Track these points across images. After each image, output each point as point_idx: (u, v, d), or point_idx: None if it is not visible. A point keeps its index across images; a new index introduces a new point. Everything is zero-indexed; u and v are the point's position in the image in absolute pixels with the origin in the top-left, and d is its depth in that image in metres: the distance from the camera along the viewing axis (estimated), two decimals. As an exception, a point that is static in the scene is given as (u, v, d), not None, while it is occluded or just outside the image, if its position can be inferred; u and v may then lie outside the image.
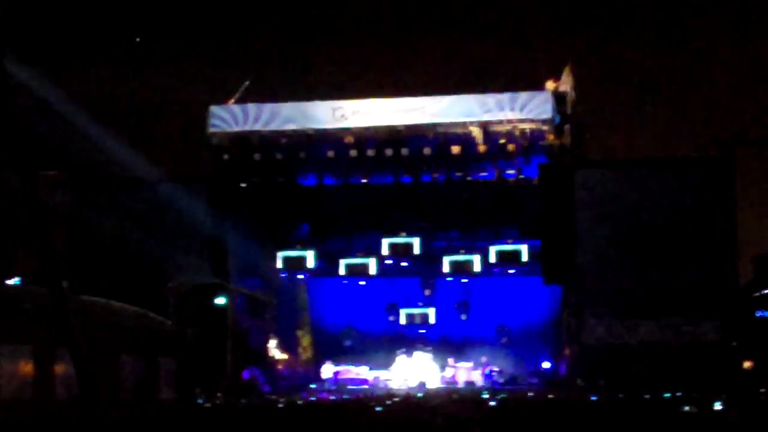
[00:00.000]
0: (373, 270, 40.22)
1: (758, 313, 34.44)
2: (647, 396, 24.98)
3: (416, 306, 41.56)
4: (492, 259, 38.79)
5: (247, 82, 37.34)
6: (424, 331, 41.30)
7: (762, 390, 27.49)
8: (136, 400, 21.43)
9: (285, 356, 40.43)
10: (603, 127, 40.67)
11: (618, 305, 34.75)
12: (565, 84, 36.19)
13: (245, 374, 36.33)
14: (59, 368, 18.83)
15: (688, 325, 33.99)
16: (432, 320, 41.28)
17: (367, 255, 40.26)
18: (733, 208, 34.68)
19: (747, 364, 33.58)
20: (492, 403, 20.85)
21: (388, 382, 37.81)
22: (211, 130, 36.93)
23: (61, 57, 36.21)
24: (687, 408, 16.13)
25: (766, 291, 34.92)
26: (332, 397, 29.31)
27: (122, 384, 21.42)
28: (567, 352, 35.96)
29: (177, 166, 37.61)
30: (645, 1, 44.49)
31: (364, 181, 38.05)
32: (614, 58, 42.87)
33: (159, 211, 36.30)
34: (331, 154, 36.90)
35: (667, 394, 25.95)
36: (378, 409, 19.74)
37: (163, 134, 38.93)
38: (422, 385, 36.83)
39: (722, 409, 16.76)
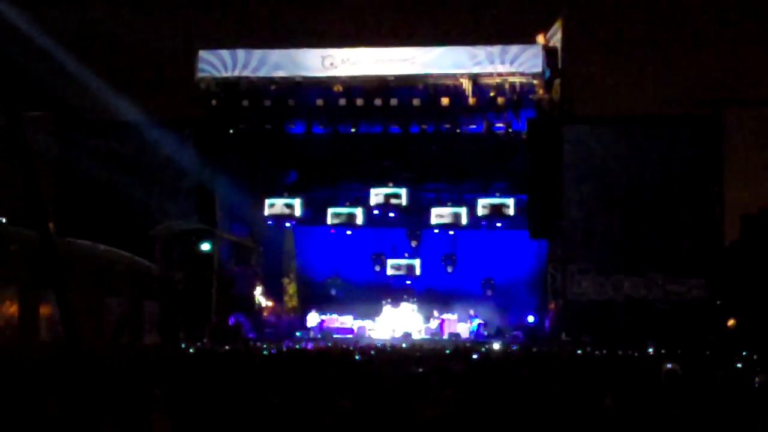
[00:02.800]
0: (360, 220, 40.27)
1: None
2: (631, 352, 25.10)
3: (402, 257, 41.60)
4: (479, 211, 38.81)
5: None
6: (409, 282, 41.37)
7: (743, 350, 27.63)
8: (119, 342, 21.43)
9: (270, 303, 40.52)
10: (593, 83, 40.56)
11: (603, 261, 34.92)
12: (556, 38, 36.03)
13: (230, 320, 36.42)
14: (44, 310, 18.80)
15: (673, 282, 34.19)
16: (418, 272, 41.35)
17: (355, 204, 40.27)
18: (720, 168, 34.76)
19: (731, 323, 33.79)
20: (475, 356, 20.91)
21: (372, 332, 37.95)
22: (200, 75, 36.66)
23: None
24: (670, 365, 16.14)
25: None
26: (316, 345, 29.38)
27: (106, 327, 21.39)
28: (552, 306, 36.10)
29: (165, 111, 37.38)
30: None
31: (352, 130, 37.91)
32: (605, 15, 42.66)
33: (146, 155, 36.23)
34: (320, 102, 36.70)
35: (650, 350, 26.12)
36: (357, 357, 19.79)
37: (151, 78, 38.66)
38: (407, 335, 37.00)
39: (705, 367, 16.82)
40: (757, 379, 13.16)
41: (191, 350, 26.10)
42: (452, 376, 12.93)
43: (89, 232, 27.37)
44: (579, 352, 26.09)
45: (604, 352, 25.40)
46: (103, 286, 21.55)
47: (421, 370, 14.52)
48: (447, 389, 10.24)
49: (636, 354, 23.90)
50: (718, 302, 34.08)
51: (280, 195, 40.16)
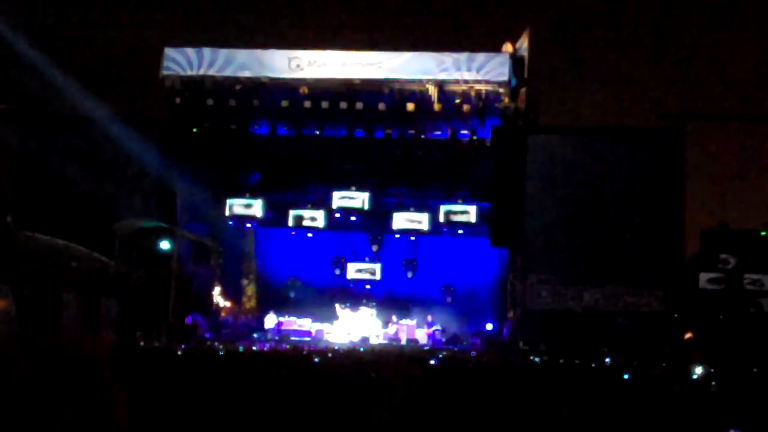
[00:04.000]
0: (321, 222, 40.14)
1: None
2: (588, 362, 25.16)
3: (363, 261, 41.52)
4: (441, 218, 38.83)
5: None
6: (369, 286, 41.29)
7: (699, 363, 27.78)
8: (75, 339, 21.24)
9: (228, 304, 40.35)
10: (558, 92, 40.79)
11: (563, 271, 35.01)
12: (523, 48, 36.16)
13: (188, 320, 36.21)
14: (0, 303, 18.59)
15: (632, 294, 34.36)
16: (378, 276, 41.25)
17: (317, 207, 40.15)
18: (683, 181, 34.97)
19: (687, 336, 33.99)
20: (432, 362, 20.88)
21: (329, 336, 37.86)
22: (165, 72, 36.49)
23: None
24: (627, 376, 16.20)
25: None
26: (273, 347, 29.26)
27: (63, 323, 21.21)
28: (511, 315, 36.17)
29: (129, 108, 37.14)
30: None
31: (317, 132, 37.81)
32: (572, 26, 42.90)
33: (108, 151, 35.94)
34: (285, 103, 36.61)
35: (608, 360, 26.21)
36: (317, 360, 19.70)
37: (115, 73, 38.41)
38: (365, 340, 36.94)
39: (662, 379, 16.90)
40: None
41: (148, 349, 25.89)
42: (409, 381, 12.88)
43: (48, 226, 27.17)
44: (536, 360, 26.16)
45: (561, 361, 25.45)
46: (60, 281, 21.37)
47: (374, 375, 14.46)
48: (403, 393, 10.21)
49: (593, 364, 23.95)
50: (676, 315, 34.28)
51: (241, 195, 39.96)
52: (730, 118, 38.60)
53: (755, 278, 34.51)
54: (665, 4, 42.53)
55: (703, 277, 34.63)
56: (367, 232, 41.34)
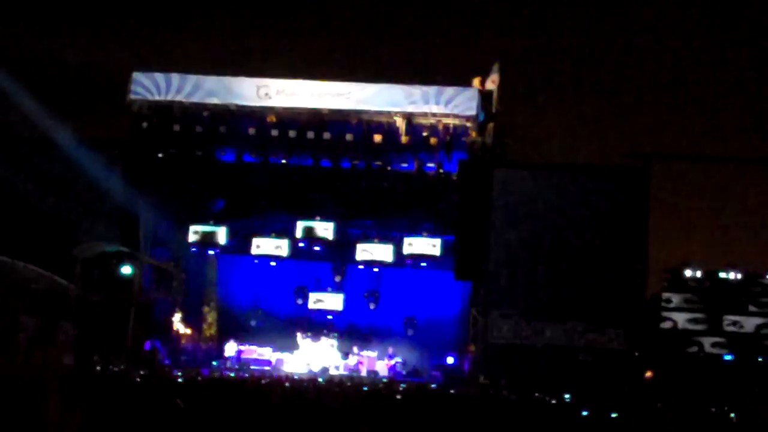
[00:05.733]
0: (285, 251, 39.98)
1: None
2: (548, 398, 25.13)
3: (325, 291, 41.38)
4: (405, 250, 38.82)
5: None
6: (331, 317, 41.13)
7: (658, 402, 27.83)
8: (31, 361, 20.99)
9: (188, 331, 40.05)
10: (526, 129, 40.98)
11: (526, 306, 35.03)
12: (492, 83, 36.30)
13: (147, 346, 35.91)
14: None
15: (593, 331, 34.42)
16: (340, 307, 41.09)
17: (281, 236, 40.00)
18: (646, 220, 35.15)
19: (648, 375, 34.08)
20: (395, 395, 20.79)
21: (287, 366, 37.63)
22: (132, 96, 36.32)
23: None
24: (586, 413, 16.19)
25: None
26: (232, 375, 29.04)
27: (20, 344, 20.97)
28: (472, 348, 36.10)
29: (93, 131, 36.93)
30: (573, 10, 44.89)
31: (283, 161, 37.71)
32: (541, 64, 43.20)
33: (72, 174, 35.64)
34: (252, 131, 36.53)
35: (567, 397, 26.17)
36: (276, 389, 19.55)
37: (81, 97, 38.25)
38: (325, 370, 36.74)
39: (618, 416, 16.89)
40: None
41: (105, 373, 25.60)
42: (369, 413, 12.80)
43: (8, 248, 26.89)
44: (493, 394, 26.09)
45: (521, 396, 25.39)
46: (19, 302, 21.13)
47: (336, 406, 14.36)
48: (362, 427, 10.13)
49: (553, 400, 23.92)
50: (636, 354, 34.36)
51: (205, 222, 39.76)
52: (696, 158, 38.90)
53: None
54: (633, 44, 42.93)
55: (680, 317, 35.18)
56: (330, 262, 41.23)
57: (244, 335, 40.13)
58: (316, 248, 39.81)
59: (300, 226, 39.32)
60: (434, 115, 35.51)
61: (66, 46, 36.13)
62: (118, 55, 36.69)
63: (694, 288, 36.20)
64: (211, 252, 40.94)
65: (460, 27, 43.10)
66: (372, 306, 41.19)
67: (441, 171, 36.71)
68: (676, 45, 42.70)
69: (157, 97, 36.24)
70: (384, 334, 39.87)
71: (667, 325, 35.72)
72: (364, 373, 37.36)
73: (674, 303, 36.10)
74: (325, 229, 39.28)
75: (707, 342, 35.75)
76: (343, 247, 40.07)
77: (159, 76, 36.40)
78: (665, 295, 36.19)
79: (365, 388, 23.30)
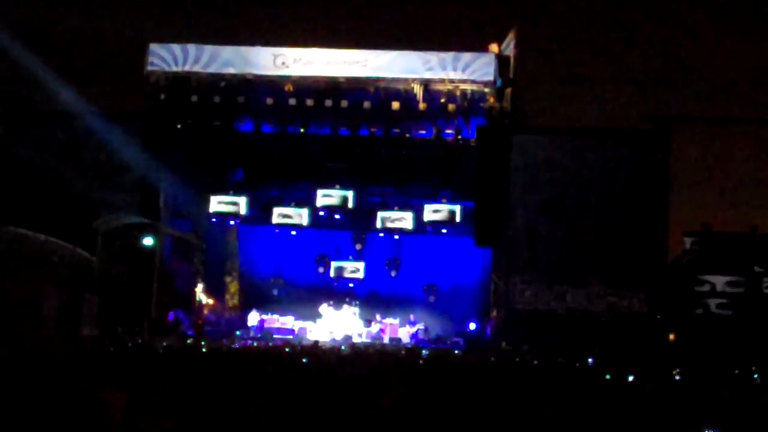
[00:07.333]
0: (305, 220, 40.09)
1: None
2: (571, 362, 25.15)
3: (346, 259, 41.50)
4: (425, 217, 38.86)
5: None
6: (352, 285, 41.26)
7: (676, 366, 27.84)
8: (57, 333, 21.14)
9: (211, 301, 40.23)
10: (544, 93, 40.79)
11: (547, 271, 35.05)
12: (509, 48, 36.13)
13: (170, 316, 36.11)
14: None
15: (614, 295, 34.42)
16: (361, 275, 41.23)
17: (301, 205, 40.09)
18: (666, 183, 35.04)
19: (671, 337, 34.06)
20: (420, 361, 20.84)
21: (311, 334, 37.77)
22: (149, 68, 36.29)
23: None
24: (608, 376, 16.19)
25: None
26: (256, 345, 29.16)
27: (44, 317, 21.10)
28: (494, 315, 36.15)
29: (112, 103, 36.98)
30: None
31: (301, 130, 37.65)
32: (558, 28, 42.94)
33: (91, 147, 35.79)
34: (269, 101, 36.43)
35: (590, 360, 26.21)
36: (304, 360, 19.62)
37: (99, 69, 38.24)
38: (348, 338, 36.88)
39: (636, 380, 16.88)
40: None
41: (129, 344, 25.80)
42: (398, 381, 12.82)
43: (31, 222, 27.02)
44: (518, 360, 26.13)
45: (544, 361, 25.42)
46: (42, 276, 21.24)
47: (363, 373, 14.39)
48: (397, 386, 10.12)
49: (577, 364, 23.94)
50: (658, 317, 34.34)
51: (225, 192, 39.88)
52: (716, 120, 38.68)
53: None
54: (652, 8, 42.58)
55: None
56: (350, 230, 41.31)
57: (266, 305, 40.30)
58: (336, 217, 39.89)
59: (320, 194, 39.38)
60: (451, 81, 35.35)
61: (82, 18, 36.03)
62: (136, 27, 36.55)
63: (729, 250, 35.77)
64: (231, 222, 41.09)
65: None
66: (393, 273, 41.31)
67: (459, 137, 36.61)
68: (696, 6, 42.34)
69: (174, 68, 36.17)
70: (405, 302, 39.95)
71: (705, 288, 35.36)
72: (386, 340, 37.46)
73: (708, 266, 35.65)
74: (345, 198, 39.33)
75: (712, 303, 35.33)
76: (362, 215, 40.14)
77: (175, 47, 36.33)
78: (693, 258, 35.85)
79: (392, 355, 23.38)
